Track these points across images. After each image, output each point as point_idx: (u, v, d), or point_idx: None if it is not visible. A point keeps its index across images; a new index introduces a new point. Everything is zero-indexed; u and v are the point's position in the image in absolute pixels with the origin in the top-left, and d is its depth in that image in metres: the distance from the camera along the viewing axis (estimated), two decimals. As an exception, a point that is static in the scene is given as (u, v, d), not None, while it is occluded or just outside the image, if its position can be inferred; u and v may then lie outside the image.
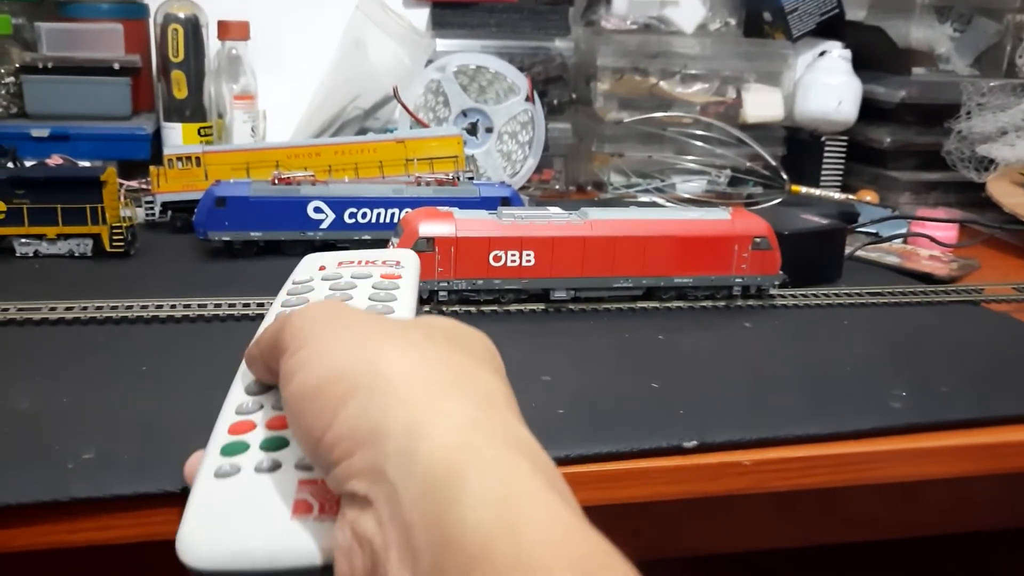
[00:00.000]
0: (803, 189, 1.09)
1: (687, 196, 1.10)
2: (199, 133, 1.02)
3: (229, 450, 0.30)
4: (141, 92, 1.04)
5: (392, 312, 0.36)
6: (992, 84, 1.08)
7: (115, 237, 0.75)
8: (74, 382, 0.50)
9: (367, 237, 0.79)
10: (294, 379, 0.28)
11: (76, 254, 0.75)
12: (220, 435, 0.31)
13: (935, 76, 1.17)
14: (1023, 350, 0.64)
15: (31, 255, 0.75)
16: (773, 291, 0.71)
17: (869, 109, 1.13)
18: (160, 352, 0.55)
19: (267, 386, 0.33)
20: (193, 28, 1.00)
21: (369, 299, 0.36)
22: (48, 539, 0.40)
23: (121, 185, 0.88)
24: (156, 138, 1.02)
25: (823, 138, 1.14)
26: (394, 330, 0.29)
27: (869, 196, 1.07)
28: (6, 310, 0.60)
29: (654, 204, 1.06)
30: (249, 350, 0.33)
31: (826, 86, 1.12)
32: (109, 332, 0.59)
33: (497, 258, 0.64)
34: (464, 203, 0.73)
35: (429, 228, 0.63)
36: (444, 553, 0.22)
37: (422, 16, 1.17)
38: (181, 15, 0.99)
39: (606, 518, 0.53)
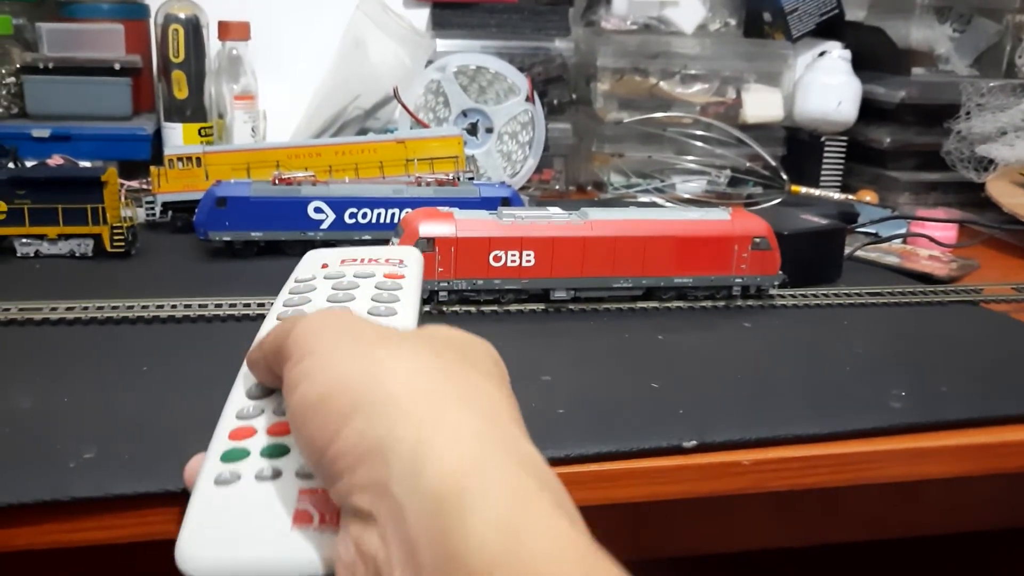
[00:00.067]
0: (803, 189, 1.10)
1: (687, 196, 1.10)
2: (200, 133, 1.02)
3: (229, 456, 0.29)
4: (142, 92, 1.05)
5: (395, 313, 0.35)
6: (992, 84, 1.08)
7: (116, 237, 0.75)
8: (75, 382, 0.50)
9: (367, 237, 0.79)
10: (297, 390, 0.28)
11: (77, 254, 0.75)
12: (220, 440, 0.30)
13: (935, 76, 1.17)
14: (1022, 350, 0.64)
15: (32, 255, 0.75)
16: (773, 291, 0.71)
17: (869, 109, 1.13)
18: (161, 352, 0.56)
19: (269, 390, 0.33)
20: (194, 28, 1.00)
21: (372, 299, 0.36)
22: (49, 539, 0.40)
23: (122, 185, 0.88)
24: (157, 138, 1.02)
25: (823, 138, 1.14)
26: (398, 342, 0.29)
27: (869, 196, 1.07)
28: (7, 310, 0.60)
29: (654, 204, 1.06)
30: (251, 353, 0.33)
31: (826, 86, 1.12)
32: (110, 332, 0.59)
33: (497, 258, 0.64)
34: (464, 203, 0.73)
35: (429, 228, 0.63)
36: (448, 572, 0.22)
37: (422, 16, 1.17)
38: (182, 15, 0.99)
39: (606, 518, 0.53)
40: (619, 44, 1.10)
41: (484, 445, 0.25)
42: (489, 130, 1.03)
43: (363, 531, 0.25)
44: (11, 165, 0.81)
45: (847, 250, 0.81)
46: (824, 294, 0.72)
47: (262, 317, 0.36)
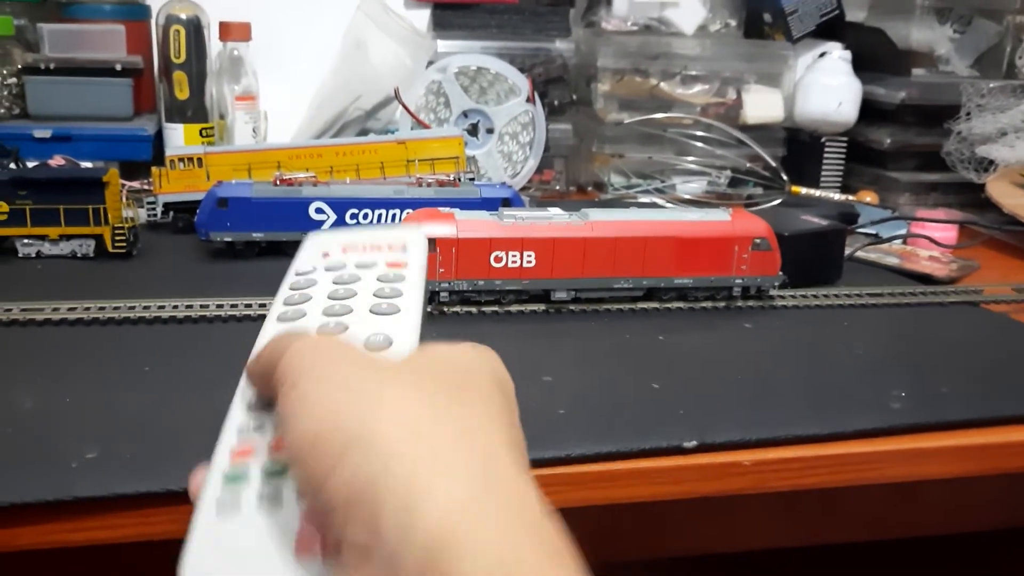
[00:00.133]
0: (803, 190, 1.10)
1: (687, 197, 1.10)
2: (201, 134, 1.02)
3: (231, 479, 0.29)
4: (143, 93, 1.05)
5: (397, 311, 0.35)
6: (992, 85, 1.08)
7: (117, 238, 0.75)
8: (77, 382, 0.50)
9: (368, 238, 0.79)
10: (290, 424, 0.27)
11: (78, 255, 0.75)
12: (222, 459, 0.30)
13: (935, 77, 1.18)
14: (1022, 351, 0.64)
15: (34, 256, 0.75)
16: (773, 292, 0.71)
17: (869, 110, 1.13)
18: (162, 352, 0.56)
19: (269, 401, 0.33)
20: (195, 29, 1.00)
21: (374, 295, 0.36)
22: (52, 538, 0.40)
23: (123, 186, 0.88)
24: (158, 139, 1.02)
25: (823, 139, 1.14)
26: (392, 376, 0.29)
27: (869, 197, 1.07)
28: (9, 310, 0.60)
29: (654, 205, 1.06)
30: (249, 366, 0.33)
31: (826, 87, 1.12)
32: (111, 333, 0.59)
33: (498, 259, 0.65)
34: (465, 204, 0.73)
35: (430, 229, 0.63)
36: None
37: (423, 17, 1.17)
38: (183, 16, 0.99)
39: (607, 518, 0.53)
40: (619, 45, 1.10)
41: (478, 497, 0.25)
42: (490, 131, 1.03)
43: (359, 566, 0.25)
44: (13, 166, 0.81)
45: (847, 251, 0.81)
46: (824, 295, 0.72)
47: (263, 318, 0.36)
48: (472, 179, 0.88)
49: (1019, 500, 0.60)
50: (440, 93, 1.03)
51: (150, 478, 0.40)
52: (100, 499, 0.40)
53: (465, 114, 1.03)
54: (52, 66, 0.98)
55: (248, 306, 0.63)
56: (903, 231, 0.93)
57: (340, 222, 0.78)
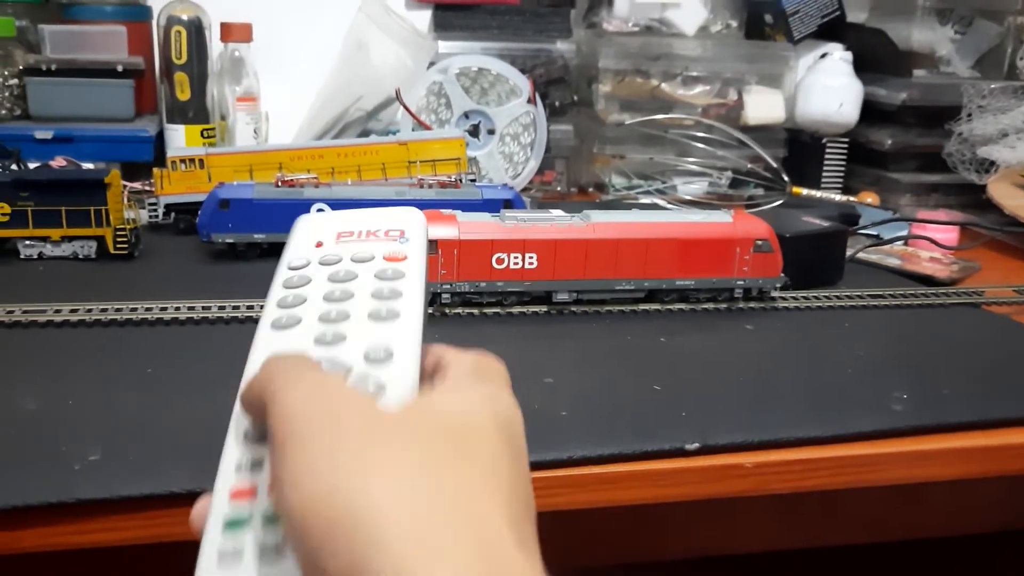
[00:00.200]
0: (804, 191, 1.10)
1: (688, 198, 1.10)
2: (202, 135, 1.02)
3: (231, 524, 0.28)
4: (144, 94, 1.05)
5: (397, 316, 0.33)
6: (993, 86, 1.08)
7: (119, 239, 0.75)
8: (79, 384, 0.50)
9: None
10: (281, 491, 0.26)
11: (80, 256, 0.75)
12: (221, 501, 0.29)
13: (936, 78, 1.18)
14: (1023, 352, 0.64)
15: (35, 257, 0.75)
16: (774, 293, 0.71)
17: (870, 111, 1.13)
18: (164, 354, 0.56)
19: (264, 431, 0.30)
20: (196, 30, 1.00)
21: (372, 296, 0.34)
22: (54, 540, 0.40)
23: (125, 187, 0.88)
24: (159, 140, 1.02)
25: (824, 140, 1.14)
26: (384, 441, 0.27)
27: (870, 198, 1.07)
28: (11, 312, 0.60)
29: (655, 206, 1.06)
30: (243, 394, 0.31)
31: (827, 88, 1.12)
32: (113, 334, 0.59)
33: (500, 260, 0.65)
34: (466, 205, 0.73)
35: (432, 231, 0.63)
36: None
37: (424, 18, 1.17)
38: (184, 17, 0.99)
39: (609, 520, 0.53)
40: (621, 46, 1.10)
41: (471, 571, 0.24)
42: (491, 132, 1.03)
43: None
44: (14, 167, 0.81)
45: (848, 252, 0.81)
46: (826, 296, 0.72)
47: (265, 319, 0.35)
48: (473, 180, 0.88)
49: (1021, 502, 0.60)
50: (441, 94, 1.03)
51: (152, 480, 0.40)
52: (103, 501, 0.40)
53: (466, 115, 1.03)
54: (53, 67, 0.98)
55: (250, 307, 0.63)
56: (904, 232, 0.93)
57: (341, 223, 0.78)
